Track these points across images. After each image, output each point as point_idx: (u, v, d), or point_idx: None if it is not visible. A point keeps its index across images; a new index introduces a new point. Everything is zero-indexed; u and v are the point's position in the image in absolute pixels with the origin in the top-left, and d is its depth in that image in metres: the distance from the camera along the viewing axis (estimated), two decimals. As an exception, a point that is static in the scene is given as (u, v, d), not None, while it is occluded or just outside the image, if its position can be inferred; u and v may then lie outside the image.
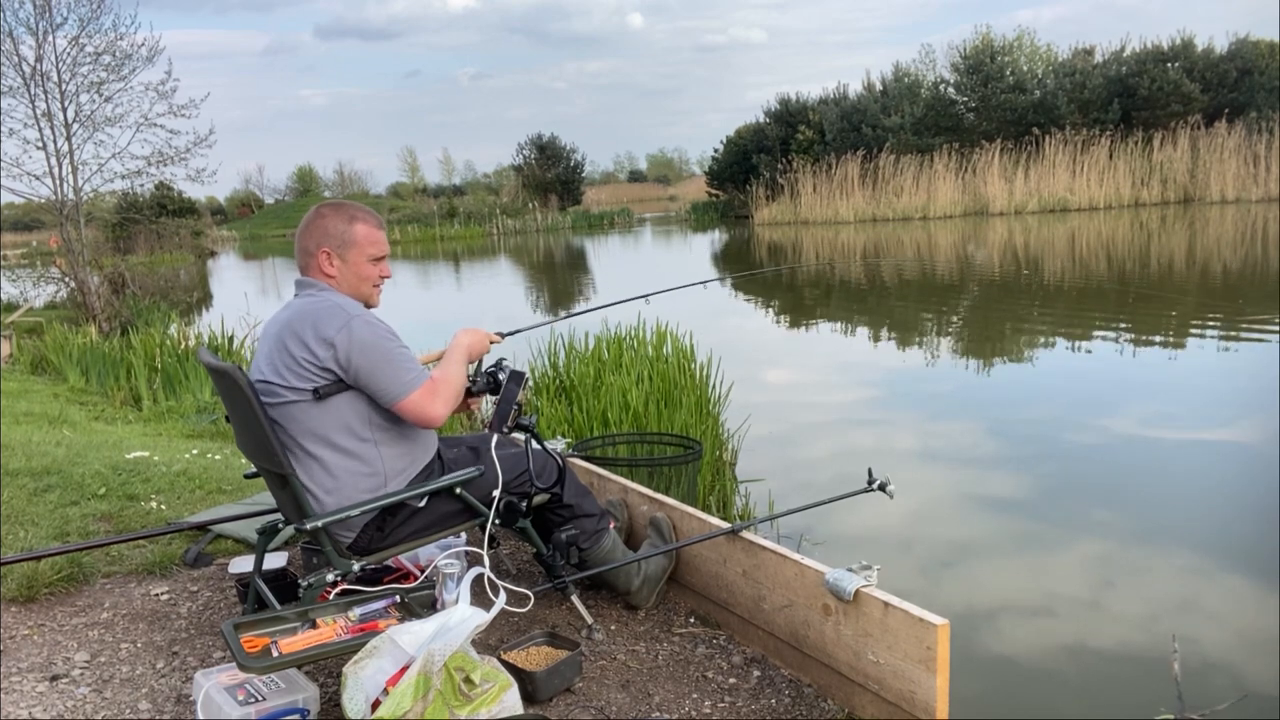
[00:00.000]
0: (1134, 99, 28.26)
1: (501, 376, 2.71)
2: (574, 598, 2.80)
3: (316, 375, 2.36)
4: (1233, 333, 8.79)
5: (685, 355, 5.94)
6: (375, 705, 1.98)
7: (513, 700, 2.08)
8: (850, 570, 2.29)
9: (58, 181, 13.52)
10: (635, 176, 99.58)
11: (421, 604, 2.36)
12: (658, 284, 4.20)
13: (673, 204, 59.68)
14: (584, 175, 53.78)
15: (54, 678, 2.57)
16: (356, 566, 2.45)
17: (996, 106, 29.81)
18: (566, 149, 50.15)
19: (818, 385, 8.12)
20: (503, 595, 2.34)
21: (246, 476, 2.85)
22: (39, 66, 13.14)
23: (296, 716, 2.13)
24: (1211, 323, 9.50)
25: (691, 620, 2.88)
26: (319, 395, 2.36)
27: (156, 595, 3.15)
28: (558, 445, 3.57)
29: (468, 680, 2.01)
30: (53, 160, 13.43)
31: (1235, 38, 28.95)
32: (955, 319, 11.05)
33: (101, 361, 9.33)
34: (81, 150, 13.69)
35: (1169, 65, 28.27)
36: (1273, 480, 4.74)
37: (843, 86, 34.59)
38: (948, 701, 2.07)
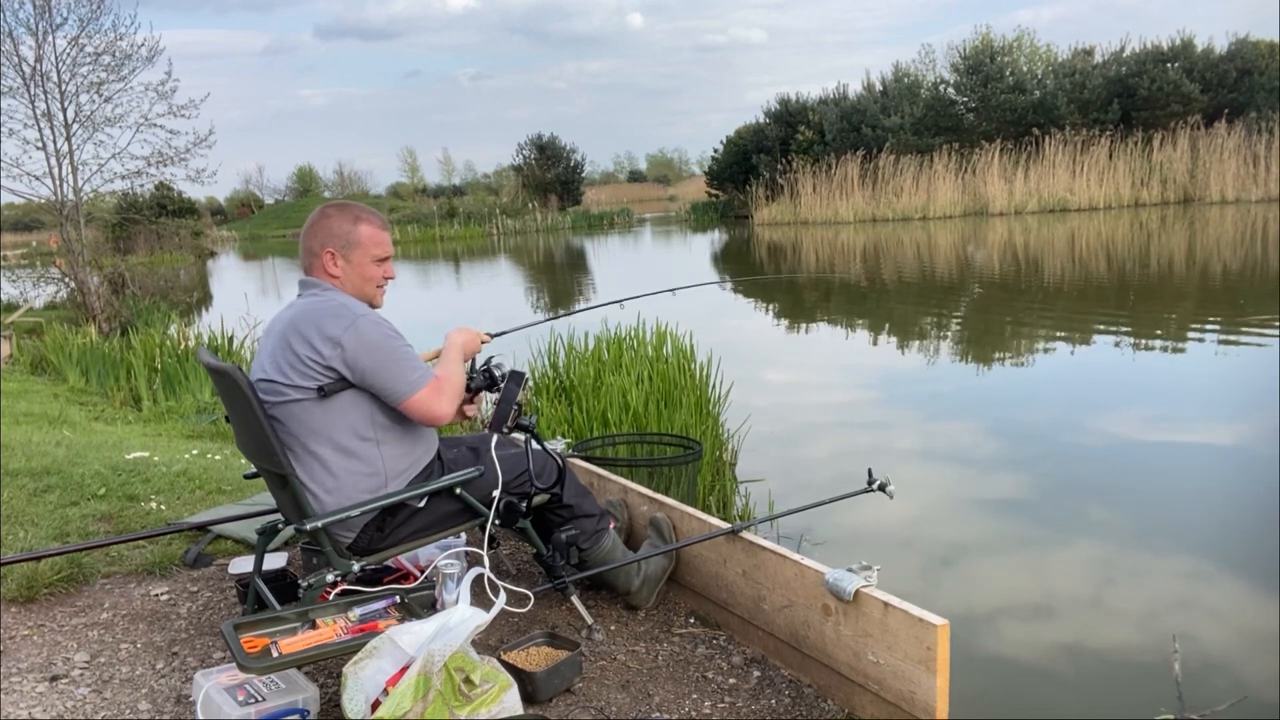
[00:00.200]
0: (1134, 99, 28.27)
1: (496, 373, 2.73)
2: (574, 598, 2.80)
3: (321, 374, 2.36)
4: (1232, 333, 8.80)
5: (685, 355, 5.94)
6: (375, 706, 1.98)
7: (513, 701, 2.08)
8: (850, 570, 2.29)
9: (58, 182, 13.52)
10: (635, 177, 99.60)
11: (421, 604, 2.36)
12: (657, 284, 4.21)
13: (672, 204, 59.67)
14: (584, 175, 53.80)
15: (54, 678, 2.57)
16: (356, 567, 2.45)
17: (996, 107, 29.81)
18: (566, 149, 50.19)
19: (818, 385, 8.12)
20: (503, 595, 2.34)
21: (246, 476, 2.85)
22: (39, 67, 13.14)
23: (296, 717, 2.13)
24: (1211, 323, 9.51)
25: (691, 620, 2.88)
26: (324, 393, 2.37)
27: (156, 596, 3.15)
28: (557, 445, 3.57)
29: (468, 680, 2.01)
30: (53, 160, 13.44)
31: (1235, 38, 28.98)
32: (955, 319, 11.05)
33: (101, 362, 9.33)
34: (81, 150, 13.71)
35: (1169, 65, 28.27)
36: (1273, 480, 4.74)
37: (843, 86, 34.63)
38: (948, 702, 2.08)
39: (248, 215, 66.65)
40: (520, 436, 2.85)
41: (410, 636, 2.06)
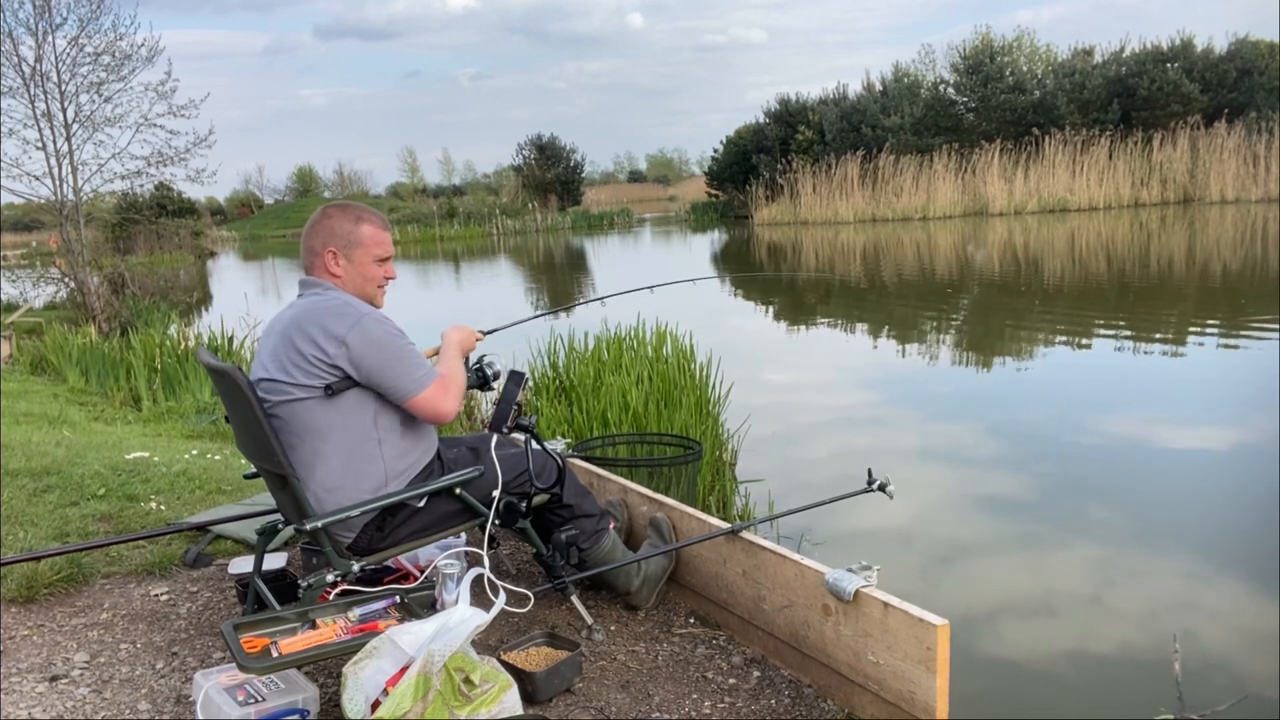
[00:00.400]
0: (1134, 99, 28.27)
1: (488, 372, 2.75)
2: (574, 598, 2.80)
3: (327, 372, 2.36)
4: (1233, 333, 8.80)
5: (685, 355, 5.95)
6: (375, 706, 1.98)
7: (512, 701, 2.08)
8: (850, 570, 2.29)
9: (57, 182, 13.53)
10: (635, 177, 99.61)
11: (421, 604, 2.36)
12: (657, 284, 4.21)
13: (672, 204, 59.69)
14: (584, 175, 53.80)
15: (54, 678, 2.56)
16: (356, 567, 2.45)
17: (996, 107, 29.81)
18: (566, 149, 50.19)
19: (817, 385, 8.12)
20: (502, 595, 2.34)
21: (246, 476, 2.85)
22: (39, 67, 13.15)
23: (296, 717, 2.13)
24: (1211, 323, 9.51)
25: (691, 620, 2.88)
26: (330, 392, 2.36)
27: (156, 596, 3.15)
28: (557, 445, 3.57)
29: (467, 681, 2.01)
30: (52, 160, 13.45)
31: (1235, 38, 29.00)
32: (955, 320, 11.05)
33: (101, 362, 9.32)
34: (81, 150, 13.72)
35: (1169, 65, 28.28)
36: (1272, 481, 4.74)
37: (842, 87, 34.64)
38: (948, 702, 2.07)
39: (247, 215, 66.65)
40: (520, 436, 2.85)
41: (410, 636, 2.06)
